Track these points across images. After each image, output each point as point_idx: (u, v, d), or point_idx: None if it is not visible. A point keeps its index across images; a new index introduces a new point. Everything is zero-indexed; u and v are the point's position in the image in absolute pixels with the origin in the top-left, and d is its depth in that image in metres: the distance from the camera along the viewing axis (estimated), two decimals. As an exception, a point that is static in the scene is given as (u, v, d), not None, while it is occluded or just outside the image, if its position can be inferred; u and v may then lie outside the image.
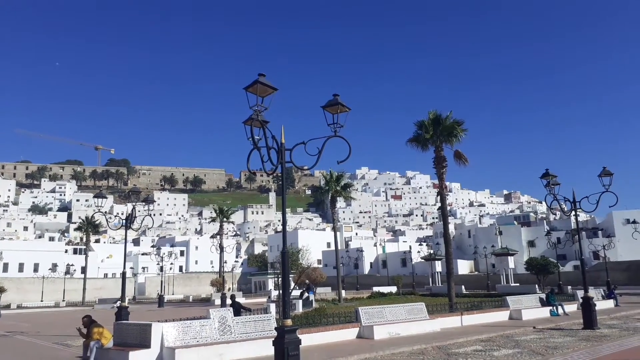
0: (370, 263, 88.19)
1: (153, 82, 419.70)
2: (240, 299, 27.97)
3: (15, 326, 29.51)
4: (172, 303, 57.08)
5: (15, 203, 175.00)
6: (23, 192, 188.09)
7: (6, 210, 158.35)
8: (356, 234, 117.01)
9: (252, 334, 13.67)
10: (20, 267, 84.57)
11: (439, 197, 30.03)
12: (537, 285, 41.51)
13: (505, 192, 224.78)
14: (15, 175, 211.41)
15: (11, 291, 70.77)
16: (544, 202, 22.08)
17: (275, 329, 9.44)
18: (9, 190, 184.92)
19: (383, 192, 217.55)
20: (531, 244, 77.23)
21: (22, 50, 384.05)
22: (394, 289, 53.02)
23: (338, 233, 43.38)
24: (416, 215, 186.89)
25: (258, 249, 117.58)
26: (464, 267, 76.09)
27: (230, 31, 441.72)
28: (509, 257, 45.26)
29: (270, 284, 74.23)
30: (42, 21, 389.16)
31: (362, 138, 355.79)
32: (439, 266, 53.64)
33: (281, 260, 9.87)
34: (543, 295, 25.47)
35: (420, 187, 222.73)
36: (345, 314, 18.38)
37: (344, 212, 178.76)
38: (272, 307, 21.17)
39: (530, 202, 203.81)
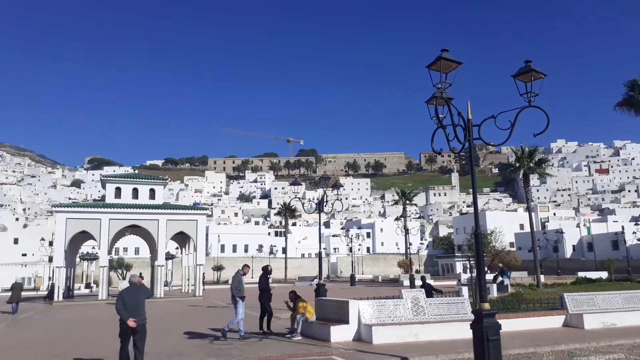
0: (573, 246, 79.55)
1: (332, 76, 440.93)
2: (429, 281, 27.88)
3: (234, 299, 34.16)
4: (362, 282, 59.60)
5: (226, 193, 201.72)
6: (231, 183, 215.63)
7: (220, 199, 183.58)
8: (554, 214, 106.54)
9: (446, 316, 13.47)
10: (234, 248, 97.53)
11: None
12: None
13: None
14: (224, 169, 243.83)
15: (228, 269, 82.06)
16: None
17: (473, 312, 9.11)
18: (221, 182, 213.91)
19: (585, 166, 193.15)
20: None
21: (226, 64, 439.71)
22: (604, 274, 46.99)
23: (532, 213, 39.94)
24: (628, 191, 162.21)
25: (443, 231, 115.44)
26: (697, 250, 63.61)
27: (409, 12, 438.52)
28: None
29: (459, 267, 72.30)
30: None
31: (557, 107, 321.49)
32: (662, 249, 45.72)
33: (474, 242, 9.46)
34: None
35: (633, 158, 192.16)
36: (546, 300, 16.91)
37: (538, 190, 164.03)
38: (464, 290, 20.56)
39: None
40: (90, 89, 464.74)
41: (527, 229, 55.25)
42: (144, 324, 9.18)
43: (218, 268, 75.49)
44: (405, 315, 13.15)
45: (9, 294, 30.89)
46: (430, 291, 17.47)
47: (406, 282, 43.98)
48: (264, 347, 12.08)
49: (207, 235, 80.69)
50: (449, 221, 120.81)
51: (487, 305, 8.78)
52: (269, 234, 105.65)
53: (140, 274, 45.62)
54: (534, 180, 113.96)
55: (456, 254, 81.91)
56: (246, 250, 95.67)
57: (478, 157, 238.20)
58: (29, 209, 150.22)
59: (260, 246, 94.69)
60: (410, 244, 54.82)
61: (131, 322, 8.90)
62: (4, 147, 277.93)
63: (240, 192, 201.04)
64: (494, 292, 25.04)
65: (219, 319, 19.82)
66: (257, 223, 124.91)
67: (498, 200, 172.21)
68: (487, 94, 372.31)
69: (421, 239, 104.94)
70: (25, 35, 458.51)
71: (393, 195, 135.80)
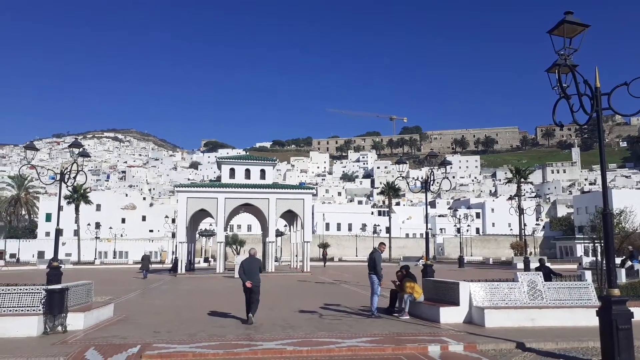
0: None
1: (436, 49, 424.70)
2: (547, 264, 26.06)
3: (340, 276, 34.89)
4: (471, 264, 57.69)
5: (330, 172, 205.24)
6: (334, 163, 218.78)
7: (324, 179, 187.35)
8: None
9: (566, 302, 12.57)
10: (338, 227, 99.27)
11: None
12: None
13: None
14: (328, 149, 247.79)
15: (333, 247, 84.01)
16: None
17: (600, 298, 8.41)
18: (325, 162, 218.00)
19: None
20: None
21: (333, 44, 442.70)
22: None
23: (669, 191, 35.62)
24: None
25: (561, 211, 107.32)
26: None
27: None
28: None
29: (579, 250, 67.05)
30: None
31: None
32: None
33: (603, 222, 8.65)
34: None
35: None
36: (688, 289, 15.06)
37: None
38: (587, 274, 18.98)
39: None
40: (204, 79, 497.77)
41: (663, 209, 49.36)
42: (258, 285, 12.62)
43: (324, 245, 77.41)
44: (521, 298, 12.49)
45: (140, 265, 35.41)
46: (548, 275, 16.36)
47: (520, 265, 41.74)
48: (372, 325, 12.20)
49: (312, 213, 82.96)
50: (568, 200, 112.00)
51: (616, 291, 8.05)
52: (372, 213, 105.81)
53: (253, 249, 48.41)
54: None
55: (576, 236, 76.05)
56: (350, 229, 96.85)
57: (603, 129, 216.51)
58: (153, 189, 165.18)
59: (364, 225, 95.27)
60: (525, 225, 51.71)
61: (248, 284, 12.47)
62: (131, 133, 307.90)
63: (343, 171, 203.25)
64: (622, 278, 22.86)
65: (327, 295, 20.38)
66: (360, 202, 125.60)
67: (626, 177, 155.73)
68: (616, 60, 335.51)
69: (537, 220, 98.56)
70: (150, 36, 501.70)
71: (505, 172, 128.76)
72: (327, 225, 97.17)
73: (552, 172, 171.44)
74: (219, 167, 42.08)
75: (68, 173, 18.56)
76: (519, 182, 57.98)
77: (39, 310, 11.06)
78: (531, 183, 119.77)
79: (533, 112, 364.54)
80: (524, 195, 66.39)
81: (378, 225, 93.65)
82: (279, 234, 52.29)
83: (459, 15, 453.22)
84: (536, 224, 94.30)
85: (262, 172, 40.97)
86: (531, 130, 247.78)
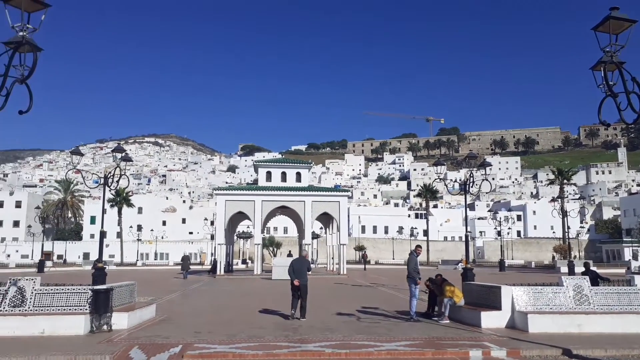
0: None
1: (473, 47, 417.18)
2: (592, 268, 25.02)
3: (377, 279, 34.66)
4: (512, 268, 56.20)
5: (365, 175, 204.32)
6: (370, 165, 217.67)
7: (359, 182, 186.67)
8: None
9: (615, 307, 12.10)
10: (374, 229, 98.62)
11: None
12: None
13: None
14: (363, 151, 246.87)
15: (369, 249, 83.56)
16: None
17: (653, 304, 8.01)
18: (360, 164, 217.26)
19: None
20: None
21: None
22: None
23: None
24: None
25: (607, 213, 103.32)
26: None
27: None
28: None
29: (627, 253, 64.36)
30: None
31: None
32: None
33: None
34: None
35: None
36: None
37: None
38: (637, 279, 18.18)
39: None
40: (241, 84, 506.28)
41: None
42: (305, 283, 13.49)
43: (360, 248, 77.12)
44: (566, 303, 12.08)
45: (179, 266, 36.29)
46: (595, 279, 15.75)
47: (564, 269, 40.41)
48: (412, 328, 12.06)
49: (348, 216, 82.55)
50: (614, 202, 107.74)
51: (671, 298, 7.66)
52: (409, 215, 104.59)
53: (290, 252, 48.50)
54: None
55: (624, 239, 73.08)
56: (386, 232, 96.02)
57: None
58: (193, 192, 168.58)
59: (401, 228, 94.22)
60: (569, 228, 50.05)
61: (296, 282, 13.39)
62: (171, 138, 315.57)
63: (379, 174, 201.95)
64: (674, 284, 21.75)
65: (364, 298, 20.27)
66: (396, 205, 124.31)
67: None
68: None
69: (581, 222, 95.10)
70: (186, 45, 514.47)
71: (547, 174, 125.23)
72: (363, 227, 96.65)
73: (597, 173, 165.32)
74: (256, 171, 42.59)
75: (111, 177, 19.14)
76: (561, 184, 56.21)
77: (86, 309, 11.46)
78: (574, 184, 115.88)
79: (576, 111, 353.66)
80: (567, 197, 64.20)
81: (415, 228, 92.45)
82: (314, 236, 52.36)
83: (497, 14, 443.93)
84: (580, 227, 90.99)
85: (298, 174, 41.22)
86: (574, 130, 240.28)
